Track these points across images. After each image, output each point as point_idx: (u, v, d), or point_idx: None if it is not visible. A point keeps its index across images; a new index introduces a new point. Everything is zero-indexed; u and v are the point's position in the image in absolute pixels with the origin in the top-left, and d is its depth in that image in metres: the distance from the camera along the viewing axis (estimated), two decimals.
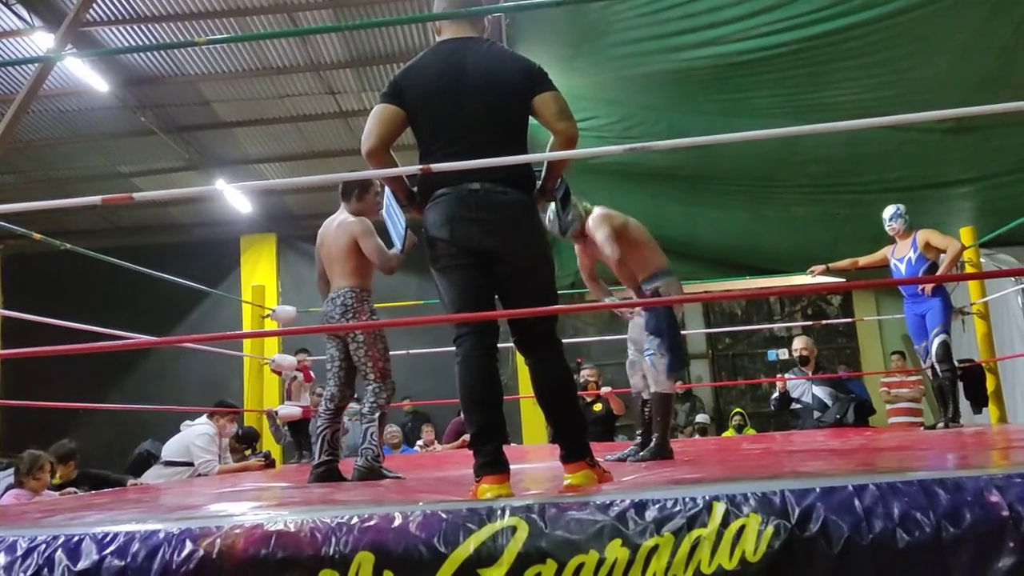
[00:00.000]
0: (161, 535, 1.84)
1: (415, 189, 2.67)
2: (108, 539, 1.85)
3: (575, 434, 2.57)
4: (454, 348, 2.54)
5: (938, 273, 5.45)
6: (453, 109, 2.55)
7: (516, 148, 2.56)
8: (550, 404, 2.58)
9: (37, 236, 4.30)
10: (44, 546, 1.86)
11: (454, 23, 2.71)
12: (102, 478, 6.00)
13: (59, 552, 1.84)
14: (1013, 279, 7.81)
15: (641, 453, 3.96)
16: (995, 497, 1.73)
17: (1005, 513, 1.71)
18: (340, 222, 4.02)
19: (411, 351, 7.15)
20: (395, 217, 2.78)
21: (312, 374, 7.48)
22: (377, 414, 3.87)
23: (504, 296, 2.62)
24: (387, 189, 2.75)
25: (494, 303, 2.63)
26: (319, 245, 4.10)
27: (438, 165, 2.49)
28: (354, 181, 3.96)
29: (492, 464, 2.38)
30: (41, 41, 7.28)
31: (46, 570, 1.82)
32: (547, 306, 2.57)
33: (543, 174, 2.72)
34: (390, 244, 3.95)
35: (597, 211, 4.11)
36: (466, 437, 8.24)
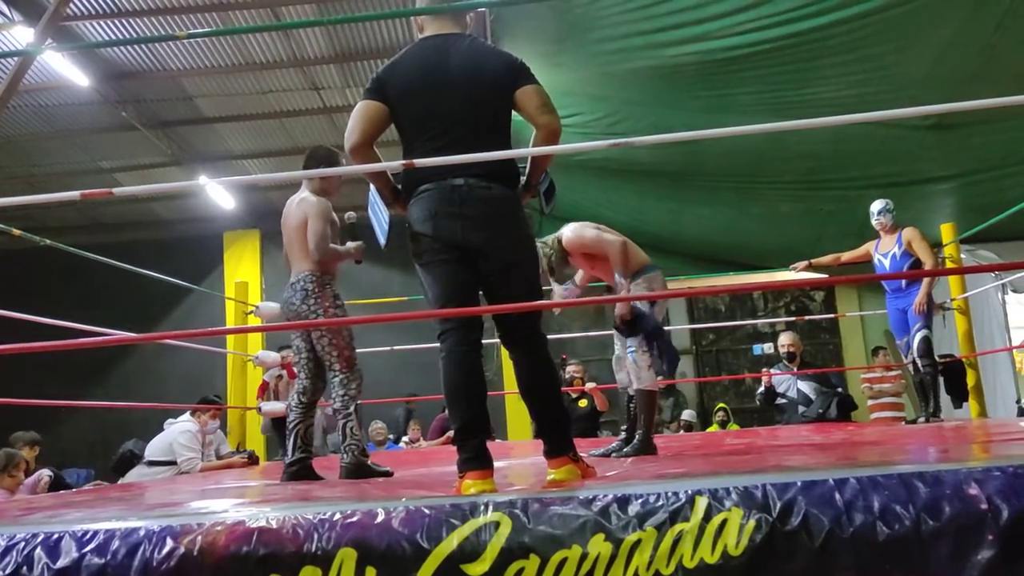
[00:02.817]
0: (142, 532, 1.83)
1: (399, 187, 2.66)
2: (88, 537, 1.83)
3: (559, 429, 2.57)
4: (438, 344, 2.54)
5: (917, 300, 5.49)
6: (435, 104, 2.55)
7: (499, 143, 2.55)
8: (534, 399, 2.58)
9: (16, 232, 4.25)
10: (23, 544, 1.84)
11: (437, 19, 2.70)
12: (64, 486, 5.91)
13: (38, 550, 1.82)
14: (993, 275, 7.88)
15: (625, 449, 3.97)
16: (974, 490, 1.75)
17: (984, 506, 1.72)
18: (301, 199, 3.86)
19: (395, 347, 7.14)
20: (379, 214, 2.77)
21: (296, 371, 7.44)
22: (352, 407, 3.71)
23: (489, 291, 2.61)
24: (371, 186, 2.74)
25: (478, 298, 2.62)
26: (282, 224, 3.94)
27: (421, 160, 2.48)
28: (319, 157, 3.88)
29: (475, 460, 2.38)
30: (21, 35, 7.21)
31: (25, 568, 1.80)
32: (531, 301, 2.57)
33: (527, 169, 2.72)
34: (362, 241, 3.94)
35: (571, 226, 4.13)
36: (451, 433, 8.21)
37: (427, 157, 2.48)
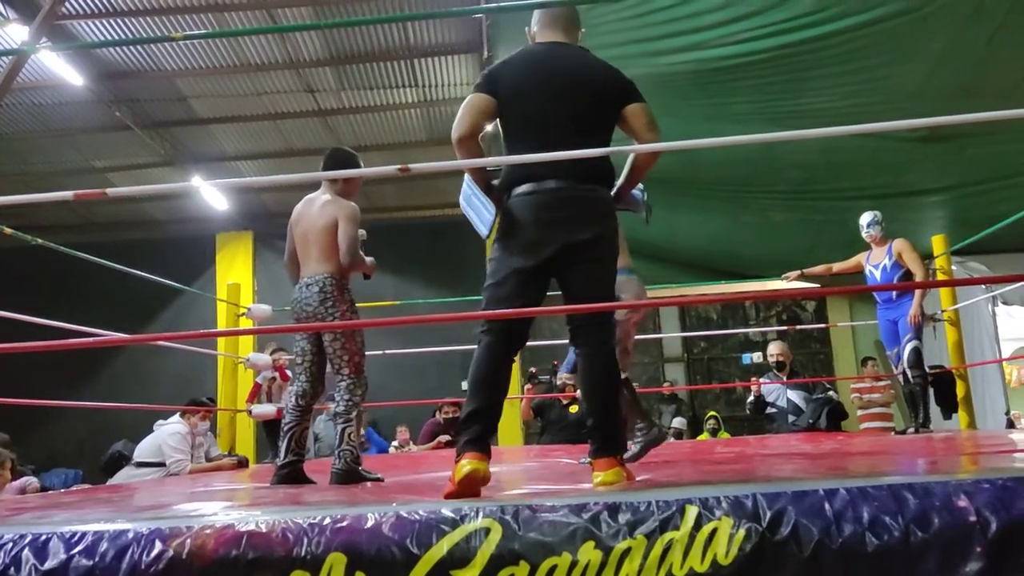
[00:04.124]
0: (130, 535, 1.82)
1: (493, 182, 2.71)
2: (76, 538, 1.83)
3: (612, 429, 2.60)
4: (480, 333, 2.57)
5: (911, 312, 5.51)
6: (544, 107, 2.61)
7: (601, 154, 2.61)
8: (594, 394, 2.61)
9: (8, 231, 4.23)
10: (11, 545, 1.83)
11: (549, 28, 2.81)
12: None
13: (26, 551, 1.81)
14: (984, 287, 7.92)
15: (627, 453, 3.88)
16: (963, 502, 1.76)
17: (972, 518, 1.73)
18: (326, 201, 3.80)
19: (386, 351, 7.13)
20: (479, 205, 2.75)
21: (289, 373, 7.42)
22: (354, 412, 3.67)
23: (569, 284, 2.64)
24: (467, 177, 2.75)
25: (532, 318, 2.65)
26: (294, 223, 3.87)
27: (414, 166, 2.49)
28: (339, 159, 3.85)
29: (476, 442, 2.38)
30: (15, 33, 7.18)
31: (12, 569, 1.79)
32: (605, 298, 2.63)
33: (620, 180, 2.78)
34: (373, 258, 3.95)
35: None
36: (442, 438, 8.18)
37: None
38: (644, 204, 2.88)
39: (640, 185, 2.93)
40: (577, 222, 2.55)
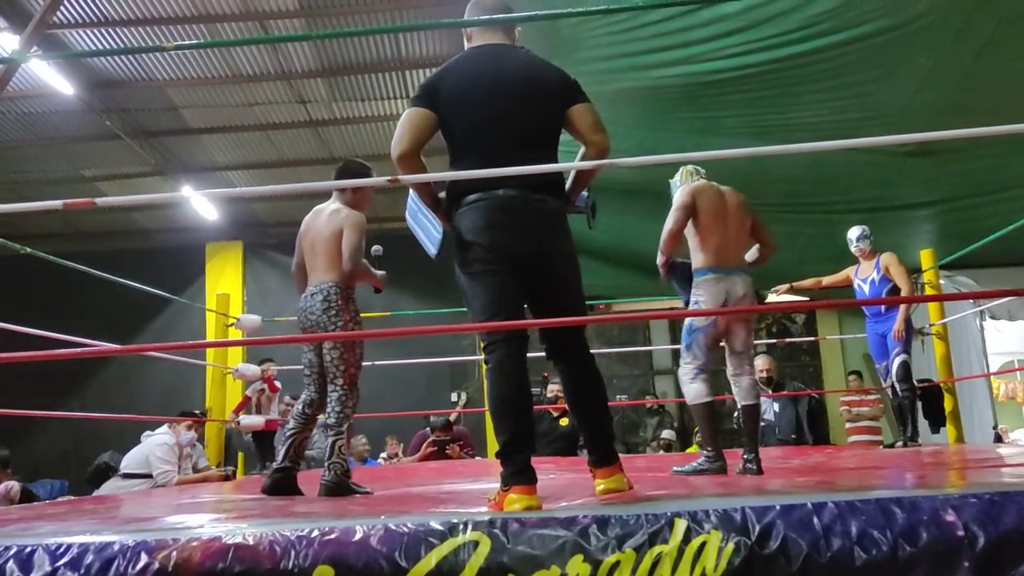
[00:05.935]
0: (116, 547, 1.80)
1: (441, 195, 2.63)
2: (61, 550, 1.81)
3: (608, 440, 2.58)
4: (485, 355, 2.49)
5: (895, 326, 5.54)
6: (489, 112, 2.51)
7: (550, 156, 2.55)
8: (584, 409, 2.58)
9: None
10: None
11: (486, 30, 2.70)
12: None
13: (10, 563, 1.80)
14: (971, 301, 7.96)
15: (681, 467, 3.80)
16: (951, 517, 1.76)
17: (960, 533, 1.73)
18: (334, 211, 3.80)
19: (376, 363, 7.11)
20: (425, 223, 2.69)
21: (278, 384, 7.40)
22: (345, 424, 3.65)
23: (536, 302, 2.58)
24: (412, 194, 2.68)
25: (523, 311, 2.57)
26: (302, 234, 3.88)
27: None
28: (352, 170, 3.82)
29: (522, 474, 2.30)
30: (6, 42, 7.17)
31: None
32: (579, 314, 2.58)
33: (568, 185, 2.70)
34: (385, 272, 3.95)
35: (683, 188, 4.12)
36: (430, 448, 8.15)
37: (480, 166, 2.44)
38: (588, 207, 2.84)
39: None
40: (532, 231, 2.47)
